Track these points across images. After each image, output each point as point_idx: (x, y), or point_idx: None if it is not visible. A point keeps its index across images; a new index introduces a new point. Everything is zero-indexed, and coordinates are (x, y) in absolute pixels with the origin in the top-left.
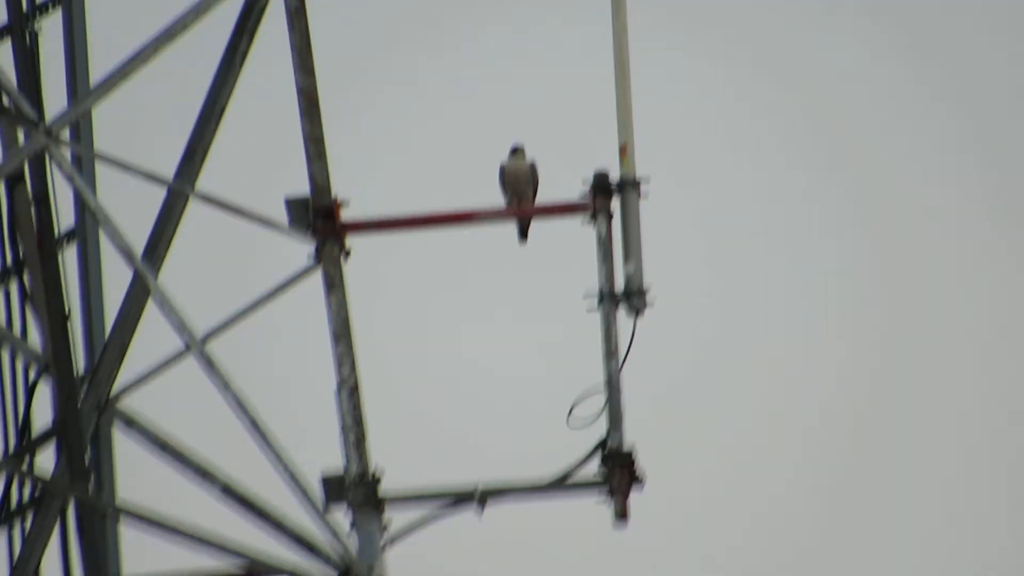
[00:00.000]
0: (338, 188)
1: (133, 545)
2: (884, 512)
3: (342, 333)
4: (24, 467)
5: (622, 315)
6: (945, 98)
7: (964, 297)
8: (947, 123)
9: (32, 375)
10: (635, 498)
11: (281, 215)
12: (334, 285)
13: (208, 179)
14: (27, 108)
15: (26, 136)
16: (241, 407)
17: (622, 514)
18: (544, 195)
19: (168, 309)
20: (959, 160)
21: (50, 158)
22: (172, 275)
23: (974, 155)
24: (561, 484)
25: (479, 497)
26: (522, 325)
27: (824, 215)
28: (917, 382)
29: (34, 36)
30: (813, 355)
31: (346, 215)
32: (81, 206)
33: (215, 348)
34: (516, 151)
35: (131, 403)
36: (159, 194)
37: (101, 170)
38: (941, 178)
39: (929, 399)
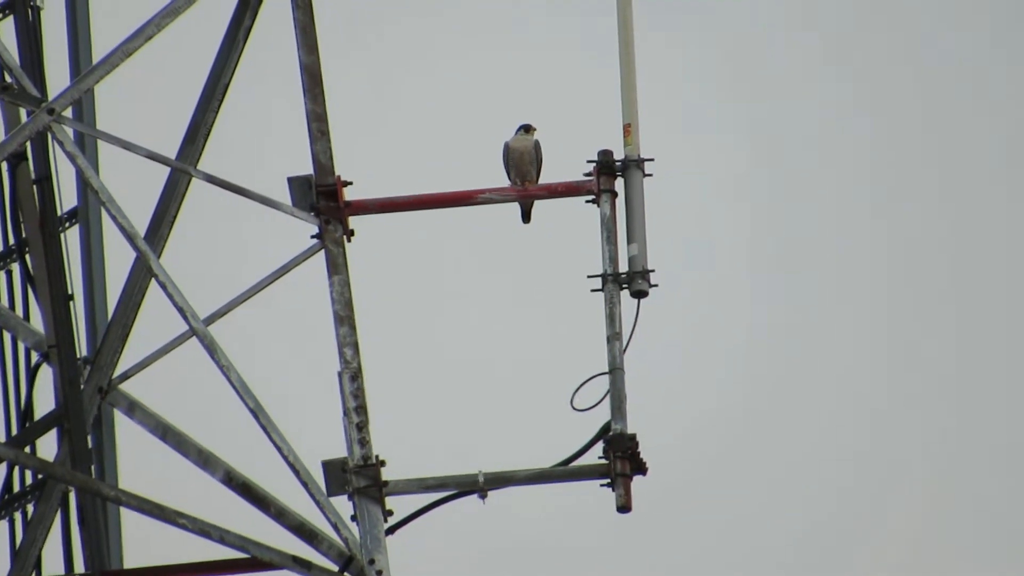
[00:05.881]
0: (341, 168)
1: (134, 531)
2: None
3: (345, 316)
4: (26, 452)
5: (626, 297)
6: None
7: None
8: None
9: (34, 359)
10: (638, 484)
11: (284, 195)
12: (337, 266)
13: (211, 159)
14: (29, 86)
15: (28, 115)
16: (243, 391)
17: (625, 501)
18: (548, 177)
19: (170, 291)
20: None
21: (52, 137)
22: (174, 256)
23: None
24: (563, 471)
25: (481, 484)
26: (525, 308)
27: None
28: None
29: (36, 13)
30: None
31: (349, 195)
32: (84, 186)
33: (217, 331)
34: (522, 129)
35: (133, 387)
36: (162, 174)
37: (104, 149)
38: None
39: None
